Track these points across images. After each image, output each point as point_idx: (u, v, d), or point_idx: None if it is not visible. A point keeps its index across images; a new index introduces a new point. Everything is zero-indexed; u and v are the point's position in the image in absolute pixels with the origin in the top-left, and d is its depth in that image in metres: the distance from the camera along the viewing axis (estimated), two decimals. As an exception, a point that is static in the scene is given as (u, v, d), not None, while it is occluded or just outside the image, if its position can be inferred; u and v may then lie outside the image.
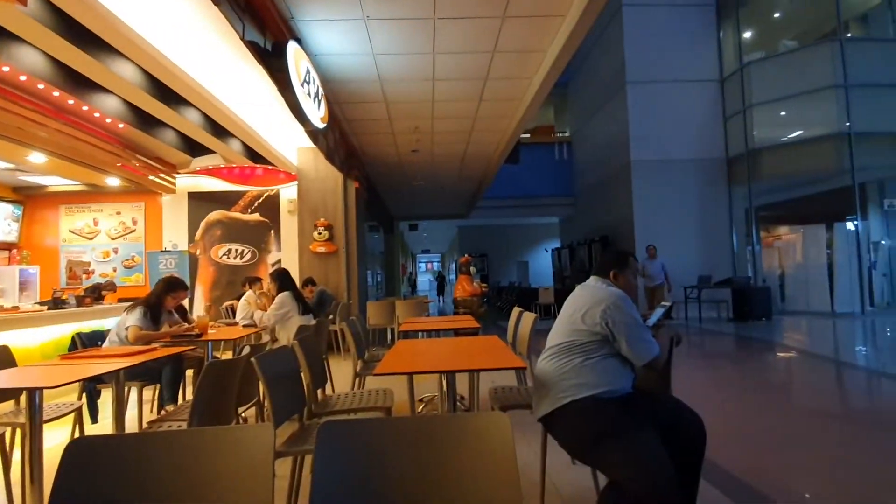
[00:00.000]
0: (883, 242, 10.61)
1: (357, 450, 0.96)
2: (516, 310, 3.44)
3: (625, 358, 1.81)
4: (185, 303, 4.03)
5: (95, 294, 6.07)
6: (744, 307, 9.18)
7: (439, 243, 27.10)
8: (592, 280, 2.01)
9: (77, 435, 2.90)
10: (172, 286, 3.43)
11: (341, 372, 4.96)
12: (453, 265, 21.21)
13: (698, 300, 9.40)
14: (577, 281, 2.06)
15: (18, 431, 2.41)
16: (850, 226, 9.88)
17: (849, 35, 9.89)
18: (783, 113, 10.27)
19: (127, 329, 3.19)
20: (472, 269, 6.64)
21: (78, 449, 0.92)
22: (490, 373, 4.04)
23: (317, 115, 4.65)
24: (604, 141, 12.51)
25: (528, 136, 14.52)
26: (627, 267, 2.03)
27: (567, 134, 15.97)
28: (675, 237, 10.43)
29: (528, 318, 3.09)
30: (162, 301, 3.38)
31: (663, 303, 2.21)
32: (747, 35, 10.89)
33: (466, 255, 7.01)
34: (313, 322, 4.08)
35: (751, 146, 10.18)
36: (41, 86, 4.28)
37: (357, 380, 3.32)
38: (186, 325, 3.57)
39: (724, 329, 8.46)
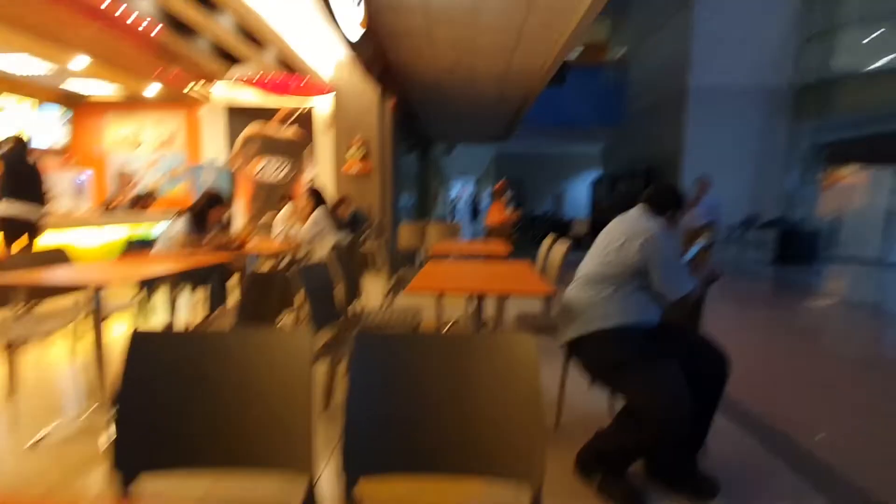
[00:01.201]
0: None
1: (390, 361, 1.01)
2: (549, 238, 3.41)
3: (656, 291, 1.79)
4: (226, 218, 4.16)
5: (142, 202, 6.38)
6: (789, 250, 8.80)
7: (474, 168, 26.59)
8: (636, 211, 1.94)
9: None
10: (215, 200, 3.54)
11: (372, 290, 5.15)
12: (487, 192, 20.90)
13: (742, 240, 9.06)
14: (614, 214, 2.00)
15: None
16: (921, 170, 9.04)
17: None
18: (868, 38, 9.05)
19: (174, 235, 3.36)
20: (506, 196, 6.53)
21: (140, 340, 1.00)
22: (517, 299, 4.12)
23: (355, 20, 4.41)
24: (660, 63, 11.49)
25: (576, 55, 13.49)
26: (682, 209, 1.96)
27: (620, 54, 14.73)
28: (724, 171, 9.81)
29: (561, 246, 3.06)
30: (205, 213, 3.50)
31: (701, 239, 2.12)
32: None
33: (502, 181, 6.85)
34: (347, 240, 4.18)
35: (826, 75, 9.15)
36: (77, -14, 4.19)
37: (387, 297, 3.45)
38: (228, 237, 3.73)
39: (765, 271, 8.21)
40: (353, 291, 2.73)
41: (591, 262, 1.91)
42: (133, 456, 0.93)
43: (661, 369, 1.62)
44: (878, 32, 8.94)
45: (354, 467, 0.93)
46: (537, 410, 0.97)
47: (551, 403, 2.21)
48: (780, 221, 9.17)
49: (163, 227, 3.55)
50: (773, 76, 9.82)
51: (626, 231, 1.83)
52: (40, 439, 1.98)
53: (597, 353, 1.78)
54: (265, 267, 4.32)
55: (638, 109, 12.87)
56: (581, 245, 10.25)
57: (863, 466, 2.00)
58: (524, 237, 13.79)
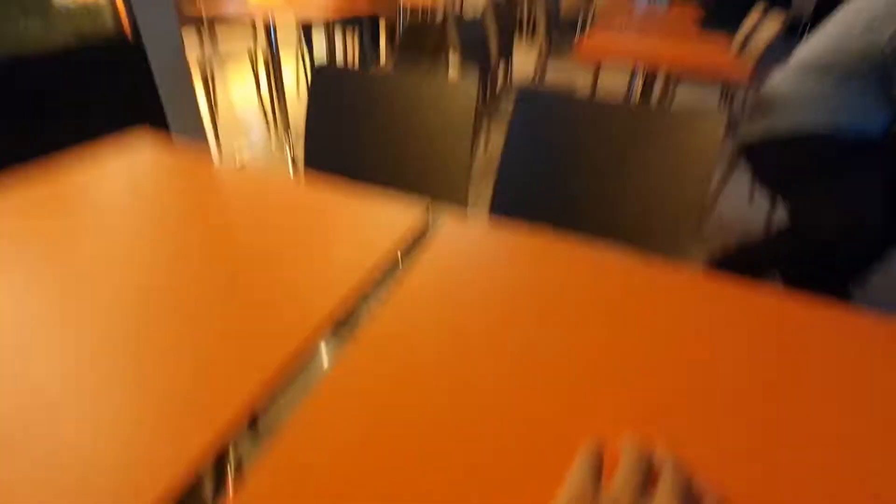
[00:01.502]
0: None
1: (549, 122, 0.96)
2: (759, 7, 2.63)
3: (893, 91, 1.36)
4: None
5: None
6: None
7: None
8: None
9: (300, 68, 3.44)
10: None
11: (524, 60, 4.74)
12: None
13: None
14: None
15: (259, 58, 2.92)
16: None
17: None
18: None
19: None
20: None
21: (323, 73, 1.06)
22: (689, 90, 3.49)
23: None
24: None
25: None
26: None
27: None
28: None
29: (774, 22, 2.37)
30: None
31: None
32: None
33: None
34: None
35: None
36: None
37: (540, 67, 3.15)
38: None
39: None
40: (507, 48, 2.51)
41: (817, 43, 1.46)
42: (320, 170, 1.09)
43: (866, 187, 1.35)
44: None
45: (503, 207, 0.98)
46: (702, 196, 0.88)
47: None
48: None
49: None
50: None
51: (883, 7, 1.30)
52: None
53: (792, 157, 1.50)
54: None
55: None
56: (802, 31, 7.81)
57: None
58: (721, 14, 10.89)
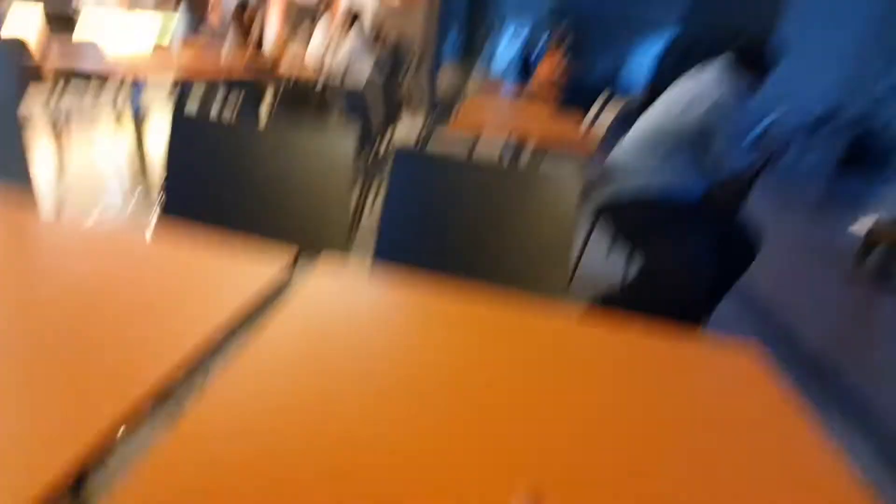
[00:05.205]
0: None
1: (427, 183, 1.00)
2: (603, 95, 3.13)
3: (707, 162, 1.68)
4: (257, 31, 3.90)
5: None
6: (856, 154, 8.05)
7: (530, 12, 23.63)
8: (717, 64, 1.70)
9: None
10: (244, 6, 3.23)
11: (406, 131, 5.00)
12: (542, 41, 18.77)
13: (817, 134, 8.21)
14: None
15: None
16: None
17: None
18: None
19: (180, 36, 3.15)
20: (564, 46, 5.86)
21: (182, 125, 0.99)
22: (551, 159, 3.97)
23: None
24: None
25: None
26: (768, 73, 1.71)
27: None
28: (819, 58, 8.55)
29: (617, 104, 2.83)
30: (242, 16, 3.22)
31: (771, 117, 1.89)
32: None
33: (561, 27, 6.09)
34: (384, 71, 3.93)
35: None
36: None
37: (421, 138, 3.35)
38: (263, 57, 3.55)
39: (823, 175, 7.65)
40: (391, 116, 2.63)
41: (648, 120, 1.76)
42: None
43: (692, 241, 1.60)
44: None
45: (385, 254, 0.97)
46: (565, 255, 0.97)
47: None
48: (859, 121, 8.22)
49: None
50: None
51: (694, 92, 1.64)
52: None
53: (632, 215, 1.74)
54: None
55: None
56: (637, 115, 9.38)
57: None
58: (574, 100, 12.78)
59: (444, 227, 1.02)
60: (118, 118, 2.48)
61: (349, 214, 0.96)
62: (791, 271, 3.17)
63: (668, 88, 1.77)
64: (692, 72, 1.73)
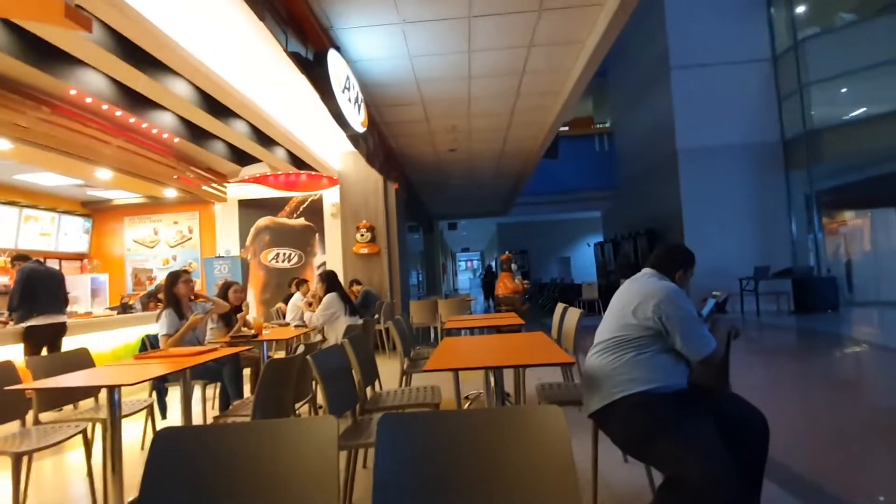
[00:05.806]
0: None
1: (416, 442, 0.99)
2: (560, 305, 3.40)
3: (679, 353, 1.75)
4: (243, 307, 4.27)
5: (154, 299, 6.49)
6: (807, 298, 8.64)
7: (479, 241, 27.04)
8: (645, 273, 1.94)
9: (149, 430, 3.12)
10: (174, 278, 3.55)
11: (388, 370, 5.05)
12: (493, 262, 21.01)
13: (755, 292, 8.92)
14: (621, 276, 2.02)
15: (99, 426, 2.62)
16: (924, 208, 9.11)
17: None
18: (844, 90, 9.60)
19: (162, 337, 3.36)
20: (514, 267, 6.61)
21: (165, 437, 1.00)
22: (535, 370, 4.01)
23: (357, 119, 4.76)
24: (647, 130, 12.09)
25: (566, 129, 14.24)
26: (693, 266, 1.96)
27: (607, 125, 15.55)
28: (727, 227, 9.94)
29: (574, 313, 3.05)
30: (175, 296, 3.50)
31: (715, 293, 2.09)
32: (800, 10, 10.22)
33: (507, 253, 6.97)
34: (360, 322, 4.18)
35: (810, 127, 9.57)
36: (105, 107, 4.60)
37: (404, 377, 3.38)
38: (244, 328, 3.79)
39: (785, 322, 8.00)
40: (371, 374, 2.69)
41: (608, 327, 1.88)
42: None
43: (694, 434, 1.54)
44: (847, 88, 9.48)
45: None
46: (572, 485, 0.93)
47: (586, 481, 2.08)
48: (791, 271, 9.09)
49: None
50: (760, 132, 10.27)
51: (640, 293, 1.82)
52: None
53: (624, 424, 1.70)
54: (278, 354, 4.30)
55: (633, 174, 13.31)
56: (594, 309, 9.99)
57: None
58: (535, 305, 13.68)
59: (442, 480, 0.97)
60: (92, 433, 2.42)
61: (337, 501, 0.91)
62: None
63: (616, 295, 1.96)
64: (631, 279, 1.95)
